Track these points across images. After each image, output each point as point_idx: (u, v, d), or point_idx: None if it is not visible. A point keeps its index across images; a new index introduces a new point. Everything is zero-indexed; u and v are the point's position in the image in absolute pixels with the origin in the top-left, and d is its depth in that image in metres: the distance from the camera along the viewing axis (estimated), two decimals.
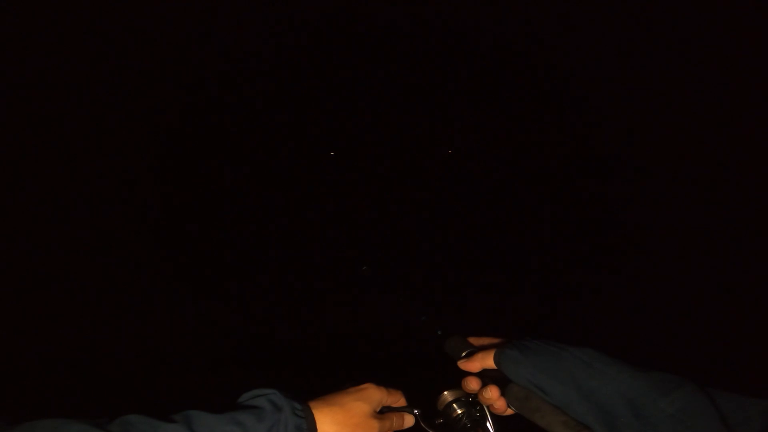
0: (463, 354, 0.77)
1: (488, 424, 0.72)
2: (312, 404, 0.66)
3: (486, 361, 0.73)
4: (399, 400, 0.76)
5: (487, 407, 0.72)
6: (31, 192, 5.41)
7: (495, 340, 0.78)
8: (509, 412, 0.71)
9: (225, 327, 3.72)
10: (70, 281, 4.48)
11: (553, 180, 6.97)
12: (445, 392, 0.74)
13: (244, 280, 4.75)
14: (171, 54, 5.53)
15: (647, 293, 3.96)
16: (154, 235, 5.98)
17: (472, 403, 0.73)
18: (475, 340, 0.80)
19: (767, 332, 3.00)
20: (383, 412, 0.74)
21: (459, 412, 0.72)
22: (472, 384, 0.73)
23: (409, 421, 0.75)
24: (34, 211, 5.38)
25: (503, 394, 0.70)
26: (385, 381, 0.76)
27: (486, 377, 0.73)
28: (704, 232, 5.89)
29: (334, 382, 0.75)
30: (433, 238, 6.11)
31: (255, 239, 5.95)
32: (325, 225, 6.33)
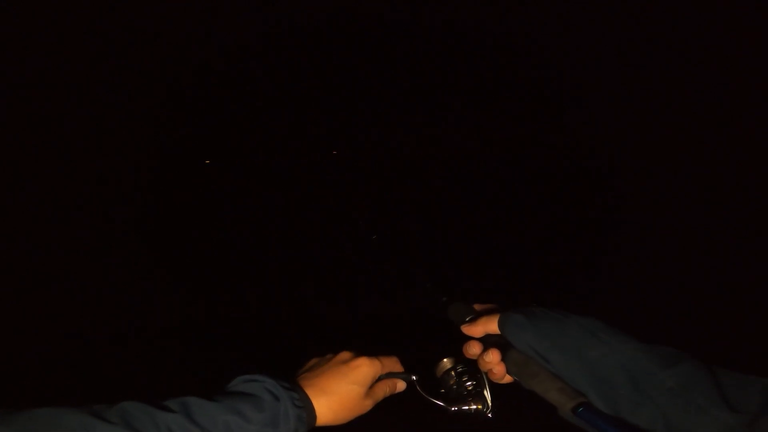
0: (467, 319, 0.77)
1: (485, 392, 0.71)
2: (306, 389, 0.67)
3: (489, 325, 0.72)
4: (394, 367, 0.75)
5: (486, 374, 0.72)
6: (31, 192, 5.42)
7: (500, 307, 0.78)
8: (508, 379, 0.71)
9: (226, 326, 3.73)
10: (70, 281, 4.48)
11: (552, 179, 6.98)
12: (444, 360, 0.74)
13: (244, 279, 4.76)
14: (171, 54, 5.54)
15: (646, 293, 3.97)
16: (154, 235, 5.99)
17: (470, 371, 0.73)
18: (479, 307, 0.80)
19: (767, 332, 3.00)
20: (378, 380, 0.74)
21: (456, 379, 0.72)
22: (474, 348, 0.73)
23: (400, 386, 0.76)
24: (34, 212, 5.38)
25: (503, 359, 0.69)
26: (382, 350, 0.75)
27: (488, 342, 0.72)
28: (704, 232, 5.90)
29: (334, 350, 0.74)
30: (439, 221, 6.21)
31: (255, 238, 5.96)
32: (328, 212, 6.38)
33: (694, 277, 4.37)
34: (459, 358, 0.74)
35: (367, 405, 0.70)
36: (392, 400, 0.76)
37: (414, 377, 0.75)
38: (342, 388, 0.68)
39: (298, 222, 6.39)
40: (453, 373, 0.73)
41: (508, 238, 5.78)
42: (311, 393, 0.66)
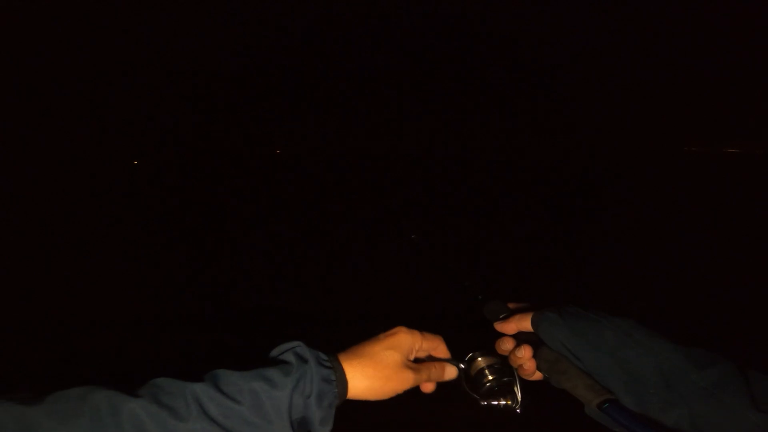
0: (501, 316, 0.78)
1: (516, 388, 0.73)
2: (340, 356, 0.63)
3: (522, 322, 0.73)
4: (438, 347, 0.72)
5: (516, 370, 0.73)
6: (34, 192, 5.42)
7: (534, 306, 0.79)
8: (537, 376, 0.72)
9: (231, 326, 3.74)
10: (70, 281, 4.49)
11: (553, 178, 7.02)
12: (479, 357, 0.75)
13: (255, 275, 4.77)
14: (172, 54, 5.55)
15: (646, 290, 3.98)
16: (161, 232, 6.00)
17: (502, 368, 0.75)
18: (513, 305, 0.81)
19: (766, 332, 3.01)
20: (421, 361, 0.70)
21: (490, 377, 0.73)
22: (507, 344, 0.74)
23: (450, 372, 0.72)
24: (38, 211, 5.38)
25: (534, 356, 0.71)
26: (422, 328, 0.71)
27: (520, 340, 0.74)
28: (703, 231, 5.91)
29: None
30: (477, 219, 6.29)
31: (272, 234, 5.98)
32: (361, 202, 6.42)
33: (693, 276, 4.39)
34: (492, 354, 0.76)
35: (407, 378, 0.65)
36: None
37: (461, 365, 0.74)
38: (377, 353, 0.64)
39: (325, 217, 6.45)
40: (487, 370, 0.74)
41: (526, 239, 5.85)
42: (344, 357, 0.63)
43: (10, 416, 0.45)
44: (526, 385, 0.73)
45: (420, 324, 0.71)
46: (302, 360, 0.58)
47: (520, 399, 0.73)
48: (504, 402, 0.73)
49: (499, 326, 0.76)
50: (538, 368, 0.71)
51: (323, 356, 0.60)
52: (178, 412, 0.50)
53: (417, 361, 0.70)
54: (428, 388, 0.71)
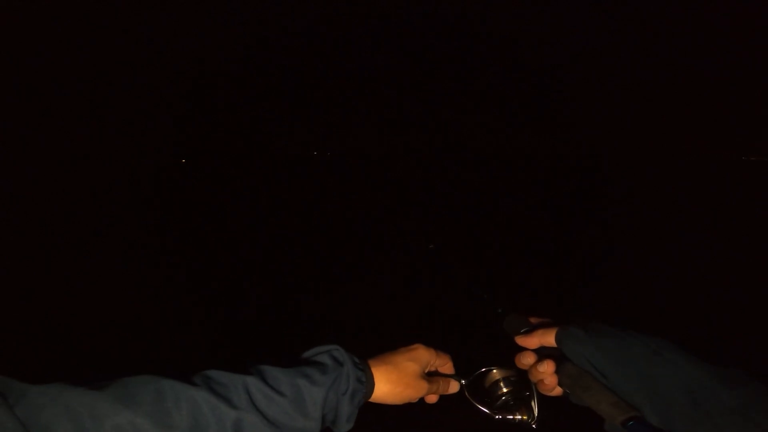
0: (522, 331, 0.78)
1: (533, 403, 0.72)
2: (369, 361, 0.72)
3: (546, 337, 0.73)
4: (446, 364, 0.79)
5: (536, 386, 0.73)
6: (37, 194, 5.42)
7: (556, 321, 0.79)
8: (557, 392, 0.71)
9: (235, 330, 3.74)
10: (69, 281, 4.48)
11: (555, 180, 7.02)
12: (494, 369, 0.76)
13: (264, 278, 4.76)
14: (172, 54, 5.55)
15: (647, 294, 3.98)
16: (155, 232, 5.99)
17: (519, 382, 0.74)
18: (535, 320, 0.81)
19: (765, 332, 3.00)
20: (431, 374, 0.78)
21: (505, 390, 0.73)
22: (528, 358, 0.74)
23: (454, 387, 0.79)
24: (40, 212, 5.37)
25: (556, 371, 0.70)
26: (434, 345, 0.79)
27: (542, 354, 0.73)
28: (703, 232, 5.92)
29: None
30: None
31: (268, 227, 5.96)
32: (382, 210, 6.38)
33: (693, 276, 4.39)
34: (509, 368, 0.75)
35: (422, 387, 0.73)
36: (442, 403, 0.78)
37: (463, 381, 0.78)
38: (400, 363, 0.73)
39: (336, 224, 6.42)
40: (502, 383, 0.74)
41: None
42: (372, 363, 0.71)
43: (82, 403, 0.49)
44: (542, 400, 0.73)
45: (438, 336, 0.73)
46: (338, 362, 0.66)
47: (536, 414, 0.72)
48: (519, 417, 0.72)
49: (521, 340, 0.76)
50: (560, 384, 0.70)
51: (357, 359, 0.69)
52: (231, 400, 0.56)
53: (428, 374, 0.78)
54: (432, 399, 0.78)
